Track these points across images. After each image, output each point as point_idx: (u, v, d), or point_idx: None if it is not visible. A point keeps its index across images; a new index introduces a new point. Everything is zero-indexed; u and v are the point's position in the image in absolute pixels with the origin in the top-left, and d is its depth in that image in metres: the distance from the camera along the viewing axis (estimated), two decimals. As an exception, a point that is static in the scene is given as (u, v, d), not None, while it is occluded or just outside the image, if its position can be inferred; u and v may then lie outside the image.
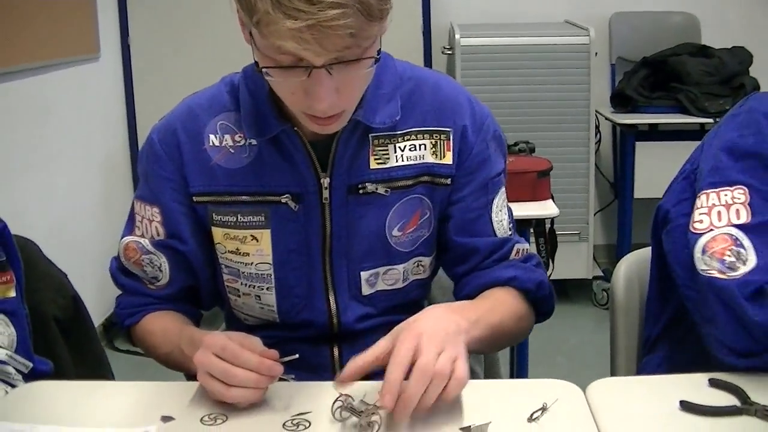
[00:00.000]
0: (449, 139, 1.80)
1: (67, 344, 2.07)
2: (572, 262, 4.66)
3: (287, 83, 1.55)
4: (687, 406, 1.46)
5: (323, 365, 1.86)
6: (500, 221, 1.88)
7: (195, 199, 1.79)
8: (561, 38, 4.83)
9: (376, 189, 1.77)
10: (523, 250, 1.92)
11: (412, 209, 1.81)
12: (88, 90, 4.66)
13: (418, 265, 1.88)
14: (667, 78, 4.96)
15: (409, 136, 1.78)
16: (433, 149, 1.79)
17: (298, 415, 1.49)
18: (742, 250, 1.64)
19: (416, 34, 5.06)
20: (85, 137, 4.61)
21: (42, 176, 4.15)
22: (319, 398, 1.52)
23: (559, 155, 4.39)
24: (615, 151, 5.53)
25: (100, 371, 2.16)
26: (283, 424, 1.46)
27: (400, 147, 1.78)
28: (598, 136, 5.28)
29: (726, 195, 1.70)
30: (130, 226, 1.88)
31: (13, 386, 1.71)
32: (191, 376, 1.72)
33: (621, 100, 5.06)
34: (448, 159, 1.80)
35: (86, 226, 4.53)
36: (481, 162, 1.83)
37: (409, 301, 1.93)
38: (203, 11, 5.03)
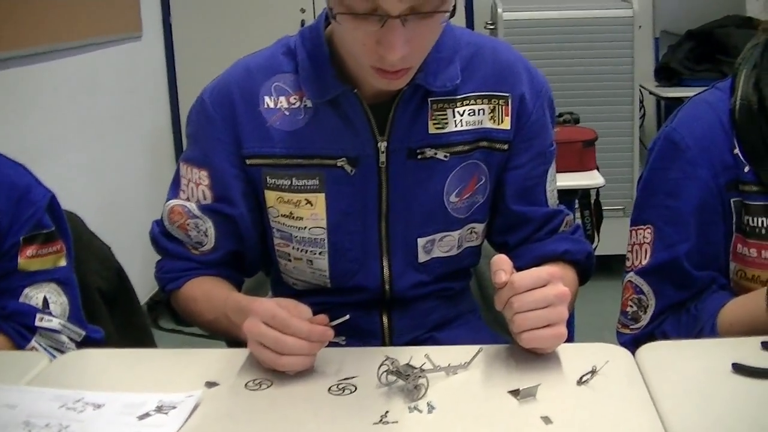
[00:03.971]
0: (507, 104, 1.77)
1: (111, 316, 2.07)
2: (617, 238, 4.55)
3: (359, 33, 1.52)
4: (739, 369, 1.43)
5: (372, 332, 1.84)
6: (552, 191, 1.88)
7: (248, 161, 1.76)
8: (604, 11, 4.78)
9: (435, 154, 1.75)
10: (571, 221, 1.92)
11: (469, 174, 1.79)
12: (131, 68, 4.69)
13: (471, 232, 1.86)
14: (713, 50, 4.92)
15: (468, 101, 1.76)
16: (492, 114, 1.77)
17: (344, 379, 1.47)
18: (642, 297, 1.79)
19: (459, 9, 5.01)
20: (130, 114, 4.66)
21: (89, 152, 4.20)
22: (364, 363, 1.51)
23: (603, 129, 4.35)
24: (659, 126, 5.46)
25: (144, 343, 2.16)
26: (329, 389, 1.45)
27: (458, 111, 1.75)
28: (642, 110, 5.24)
29: (640, 234, 1.81)
30: (175, 190, 1.84)
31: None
32: (233, 343, 1.71)
33: (665, 74, 5.02)
34: (506, 124, 1.78)
35: (132, 203, 4.56)
36: (540, 129, 1.81)
37: (461, 269, 1.93)
38: (244, -12, 5.05)
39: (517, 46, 4.52)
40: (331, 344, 1.50)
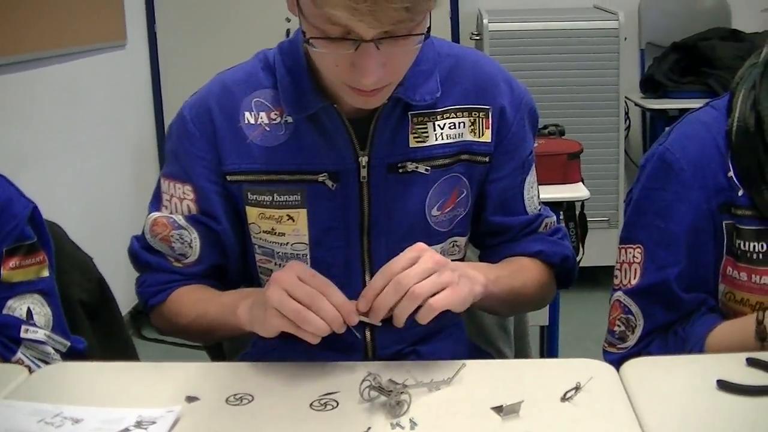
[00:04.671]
0: (488, 117, 1.77)
1: (92, 327, 2.06)
2: (602, 249, 4.61)
3: (333, 56, 1.51)
4: (724, 385, 1.43)
5: (354, 346, 1.81)
6: (531, 198, 1.88)
7: (229, 178, 1.75)
8: (590, 23, 4.78)
9: (417, 168, 1.74)
10: (551, 223, 1.92)
11: (450, 188, 1.78)
12: (115, 77, 4.67)
13: (453, 246, 1.85)
14: (698, 63, 4.94)
15: (448, 114, 1.75)
16: (472, 127, 1.76)
17: (325, 395, 1.46)
18: (630, 317, 1.77)
19: (444, 20, 5.03)
20: (114, 123, 4.63)
21: (71, 162, 4.17)
22: (346, 378, 1.50)
23: (588, 141, 4.34)
24: (645, 137, 5.49)
25: (126, 355, 2.15)
26: (311, 404, 1.44)
27: (439, 125, 1.74)
28: (628, 122, 5.25)
29: (629, 253, 1.79)
30: (156, 205, 1.83)
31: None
32: (216, 356, 1.70)
33: (651, 86, 5.04)
34: (487, 137, 1.77)
35: (115, 213, 4.54)
36: (519, 140, 1.81)
37: None
38: (229, -3, 5.05)
39: (503, 58, 4.61)
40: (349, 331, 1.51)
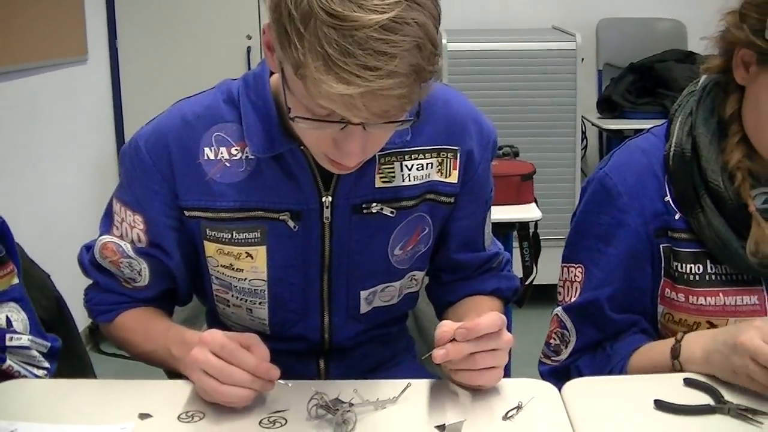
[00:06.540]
0: (456, 158, 1.75)
1: (50, 345, 2.07)
2: (557, 267, 4.65)
3: (316, 132, 1.48)
4: (661, 405, 1.47)
5: (308, 376, 1.82)
6: (488, 233, 1.91)
7: (187, 213, 1.71)
8: (548, 44, 4.84)
9: (382, 209, 1.72)
10: (502, 259, 1.95)
11: (413, 227, 1.77)
12: (76, 92, 4.65)
13: (411, 280, 1.85)
14: (654, 84, 5.00)
15: (416, 155, 1.72)
16: (439, 167, 1.74)
17: (274, 412, 1.49)
18: (565, 332, 1.83)
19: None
20: (74, 139, 4.61)
21: (30, 178, 4.14)
22: (295, 396, 1.52)
23: (545, 160, 4.41)
24: (601, 157, 5.53)
25: (83, 372, 2.15)
26: (260, 422, 1.46)
27: (407, 165, 1.72)
28: (585, 141, 5.30)
29: (571, 271, 1.85)
30: (107, 224, 1.81)
31: (40, 368, 1.74)
32: (172, 373, 1.71)
33: (607, 106, 5.09)
34: (454, 178, 1.76)
35: (75, 228, 4.49)
36: (484, 180, 1.82)
37: (400, 315, 1.94)
38: (191, 14, 5.06)
39: (462, 77, 4.64)
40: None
